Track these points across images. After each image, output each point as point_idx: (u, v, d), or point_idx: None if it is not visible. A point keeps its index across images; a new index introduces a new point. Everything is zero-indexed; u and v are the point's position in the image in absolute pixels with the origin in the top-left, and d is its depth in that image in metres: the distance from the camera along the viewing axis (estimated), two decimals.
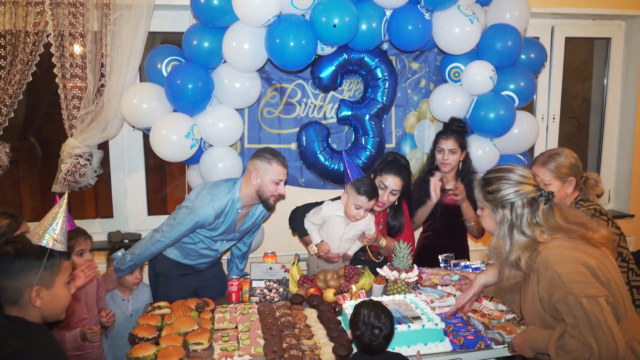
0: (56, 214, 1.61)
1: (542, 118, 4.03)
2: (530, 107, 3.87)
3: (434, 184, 2.97)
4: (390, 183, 2.77)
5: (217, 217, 2.54)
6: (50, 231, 1.56)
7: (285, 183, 2.61)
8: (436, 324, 2.14)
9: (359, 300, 2.35)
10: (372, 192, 2.63)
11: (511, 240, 1.76)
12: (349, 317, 2.08)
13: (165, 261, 2.75)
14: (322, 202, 2.86)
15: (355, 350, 2.03)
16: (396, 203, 2.89)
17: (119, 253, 2.66)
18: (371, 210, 2.78)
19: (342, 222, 2.74)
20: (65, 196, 1.65)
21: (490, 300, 2.47)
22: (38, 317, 1.57)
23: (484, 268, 2.69)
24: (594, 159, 4.40)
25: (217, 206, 2.51)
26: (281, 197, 2.61)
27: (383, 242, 2.83)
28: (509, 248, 1.77)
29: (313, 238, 2.82)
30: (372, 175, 2.84)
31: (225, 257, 3.06)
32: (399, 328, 2.07)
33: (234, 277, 2.69)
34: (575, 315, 1.63)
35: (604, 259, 1.72)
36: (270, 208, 2.65)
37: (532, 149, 3.80)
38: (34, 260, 1.52)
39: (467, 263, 2.83)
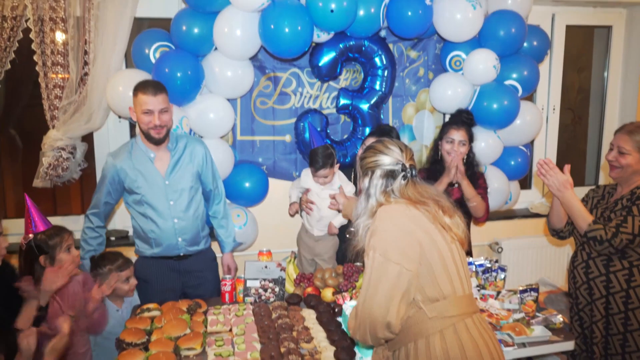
0: None
1: (542, 109, 3.92)
2: (530, 98, 3.77)
3: (455, 160, 2.76)
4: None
5: (127, 169, 2.51)
6: None
7: (167, 113, 2.46)
8: None
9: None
10: (316, 163, 2.75)
11: (365, 205, 1.76)
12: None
13: (141, 261, 2.64)
14: None
15: (358, 354, 1.92)
16: None
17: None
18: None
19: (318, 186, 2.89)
20: None
21: (495, 299, 2.38)
22: None
23: (488, 265, 2.58)
24: (594, 151, 4.31)
25: (116, 153, 2.56)
26: (159, 127, 2.44)
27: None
28: (360, 212, 1.78)
29: (291, 197, 2.99)
30: None
31: (218, 255, 2.93)
32: None
33: (227, 277, 2.56)
34: (366, 272, 1.62)
35: (437, 235, 1.66)
36: (156, 142, 2.50)
37: (532, 141, 3.70)
38: None
39: (470, 260, 2.72)
